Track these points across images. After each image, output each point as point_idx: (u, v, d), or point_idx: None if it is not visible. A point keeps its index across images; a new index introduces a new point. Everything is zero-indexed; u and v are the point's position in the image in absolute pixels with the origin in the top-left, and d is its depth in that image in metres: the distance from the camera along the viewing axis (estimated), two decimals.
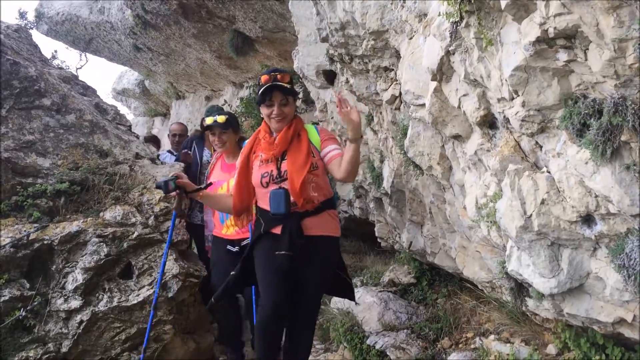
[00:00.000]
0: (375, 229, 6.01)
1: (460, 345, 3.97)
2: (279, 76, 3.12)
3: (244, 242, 4.07)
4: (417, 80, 3.34)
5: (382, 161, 5.27)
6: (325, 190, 3.22)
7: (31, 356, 4.31)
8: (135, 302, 4.51)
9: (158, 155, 7.16)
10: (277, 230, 3.14)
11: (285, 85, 3.12)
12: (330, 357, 4.50)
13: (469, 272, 3.84)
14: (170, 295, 4.72)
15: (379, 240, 6.04)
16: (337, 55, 4.54)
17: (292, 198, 3.07)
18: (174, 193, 3.35)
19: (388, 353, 4.09)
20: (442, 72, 2.97)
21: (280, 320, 3.22)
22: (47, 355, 4.31)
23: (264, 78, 3.12)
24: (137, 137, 6.54)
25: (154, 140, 7.62)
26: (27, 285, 4.48)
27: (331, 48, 4.56)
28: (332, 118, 5.99)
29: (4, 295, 4.34)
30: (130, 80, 16.04)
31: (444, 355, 3.91)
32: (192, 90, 13.65)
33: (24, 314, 4.32)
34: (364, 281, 5.04)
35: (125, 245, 4.66)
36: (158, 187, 3.28)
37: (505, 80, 2.42)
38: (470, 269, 3.82)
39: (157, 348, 4.55)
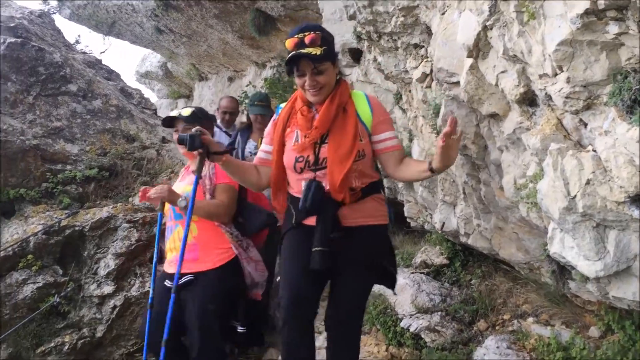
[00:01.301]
0: (405, 208, 5.91)
1: (497, 328, 3.90)
2: (306, 39, 2.50)
3: (183, 279, 3.12)
4: (451, 57, 3.22)
5: (411, 140, 5.16)
6: (369, 177, 2.72)
7: (67, 341, 4.37)
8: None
9: None
10: (310, 221, 2.68)
11: (314, 52, 2.50)
12: (364, 339, 4.46)
13: (506, 254, 3.75)
14: None
15: (408, 220, 5.95)
16: (364, 33, 4.42)
17: (327, 189, 2.62)
18: (196, 152, 2.71)
19: (423, 335, 4.03)
20: (479, 49, 2.84)
21: (302, 328, 2.67)
22: (82, 340, 4.36)
23: (289, 43, 2.55)
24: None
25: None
26: (60, 272, 4.53)
27: (359, 25, 4.43)
28: None
29: (38, 282, 4.39)
30: (153, 62, 16.03)
31: (480, 338, 3.84)
32: (215, 72, 13.59)
33: (58, 300, 4.37)
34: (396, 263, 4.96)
35: (154, 229, 4.67)
36: (181, 141, 2.71)
37: (549, 55, 2.30)
38: (506, 250, 3.73)
39: None
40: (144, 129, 5.53)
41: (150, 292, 3.26)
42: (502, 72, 2.77)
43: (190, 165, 3.57)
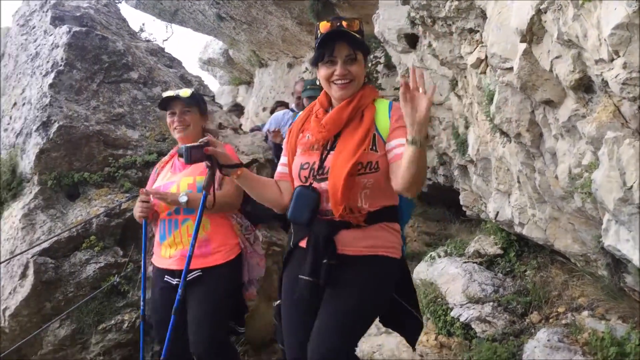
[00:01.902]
0: (460, 197, 5.83)
1: (550, 320, 3.79)
2: (344, 23, 2.22)
3: (191, 275, 2.92)
4: (505, 42, 3.13)
5: (467, 127, 5.07)
6: (382, 198, 2.27)
7: (126, 319, 4.55)
8: None
9: (257, 127, 7.19)
10: (304, 243, 2.31)
11: (354, 33, 2.22)
12: None
13: (561, 245, 3.64)
14: None
15: (464, 208, 5.87)
16: (418, 18, 4.35)
17: (324, 204, 2.23)
18: (205, 165, 2.39)
19: (473, 326, 3.98)
20: (533, 33, 2.75)
21: None
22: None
23: (324, 25, 2.24)
24: (221, 107, 6.66)
25: (237, 109, 7.69)
26: (121, 253, 4.71)
27: (412, 10, 4.37)
28: None
29: (99, 262, 4.59)
30: (215, 49, 16.33)
31: (532, 330, 3.75)
32: (275, 58, 13.71)
33: (118, 279, 4.56)
34: (448, 251, 4.90)
35: None
36: (180, 154, 2.45)
37: (604, 39, 2.20)
38: (562, 242, 3.62)
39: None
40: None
41: (142, 303, 3.05)
42: (557, 57, 2.67)
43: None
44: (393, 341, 4.27)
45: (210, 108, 6.06)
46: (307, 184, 2.26)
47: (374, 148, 2.21)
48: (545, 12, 2.60)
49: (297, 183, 2.32)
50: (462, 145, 5.22)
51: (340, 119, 2.26)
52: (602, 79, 2.44)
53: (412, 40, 5.64)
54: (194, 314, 2.93)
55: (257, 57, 14.00)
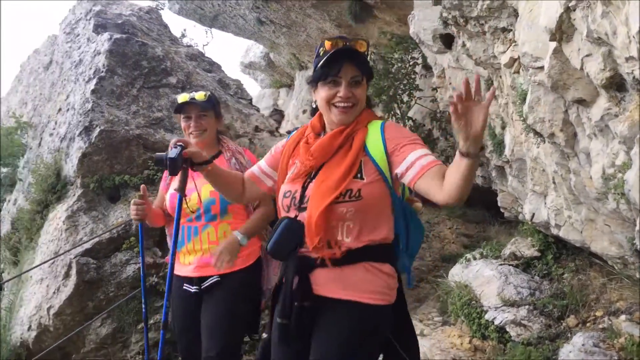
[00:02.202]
0: (498, 198, 5.74)
1: (587, 325, 3.71)
2: (351, 43, 2.06)
3: (209, 281, 2.90)
4: (536, 41, 3.08)
5: (503, 128, 4.99)
6: (369, 233, 1.99)
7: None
8: None
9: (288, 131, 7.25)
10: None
11: (362, 53, 2.08)
12: (448, 330, 4.41)
13: (597, 247, 3.55)
14: None
15: (502, 210, 5.77)
16: (451, 18, 4.31)
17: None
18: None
19: (508, 329, 3.92)
20: (562, 31, 2.70)
21: None
22: None
23: (330, 43, 2.06)
24: (257, 110, 6.75)
25: (278, 114, 7.77)
26: (159, 254, 4.83)
27: (444, 10, 4.34)
28: (450, 84, 5.75)
29: (139, 263, 4.72)
30: (256, 53, 16.52)
31: (569, 334, 3.67)
32: None
33: (156, 279, 4.68)
34: (484, 253, 4.84)
35: None
36: (158, 162, 2.24)
37: (633, 36, 2.15)
38: (598, 244, 3.53)
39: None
40: (238, 119, 5.74)
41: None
42: (587, 55, 2.62)
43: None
44: (426, 344, 4.25)
45: (247, 111, 6.17)
46: (292, 215, 2.05)
47: (359, 175, 1.98)
48: (574, 10, 2.55)
49: (281, 212, 2.13)
50: (499, 145, 5.15)
51: (330, 147, 2.05)
52: (634, 77, 2.38)
53: (447, 41, 5.59)
54: (208, 320, 2.87)
55: (297, 59, 14.09)
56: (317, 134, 2.17)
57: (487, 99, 1.65)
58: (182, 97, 2.93)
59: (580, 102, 2.92)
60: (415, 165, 1.90)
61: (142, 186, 2.95)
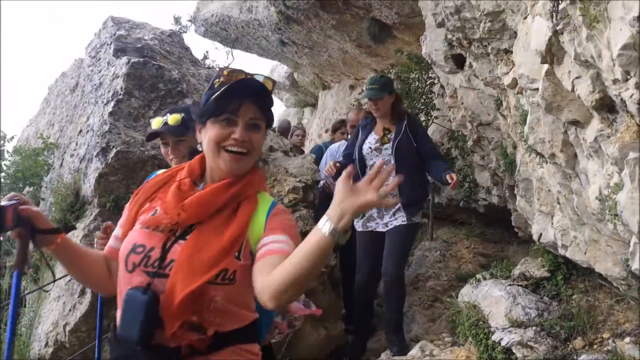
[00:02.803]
0: (512, 218, 5.72)
1: (594, 347, 3.66)
2: (257, 76, 1.72)
3: None
4: (532, 63, 3.11)
5: (514, 147, 5.00)
6: (236, 319, 1.66)
7: None
8: None
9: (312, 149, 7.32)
10: None
11: (269, 93, 1.75)
12: (457, 351, 4.39)
13: (601, 268, 3.52)
14: None
15: (515, 229, 5.74)
16: (455, 40, 4.37)
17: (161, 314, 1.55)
18: (15, 232, 1.64)
19: (514, 351, 3.88)
20: (552, 54, 2.73)
21: None
22: None
23: (230, 74, 1.69)
24: (273, 130, 6.84)
25: (284, 131, 7.83)
26: None
27: (448, 33, 4.40)
28: (462, 104, 5.77)
29: None
30: (281, 73, 16.74)
31: (575, 356, 3.63)
32: (337, 80, 13.90)
33: None
34: (494, 274, 4.81)
35: None
36: None
37: (614, 59, 2.18)
38: (602, 265, 3.50)
39: (288, 334, 4.76)
40: None
41: None
42: (577, 77, 2.64)
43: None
44: None
45: None
46: (140, 279, 1.58)
47: (237, 254, 1.61)
48: (562, 33, 2.59)
49: (121, 268, 1.64)
50: (511, 165, 5.15)
51: (212, 204, 1.66)
52: (621, 99, 2.40)
53: (459, 61, 5.63)
54: None
55: (320, 79, 14.25)
56: (193, 181, 1.74)
57: (385, 192, 1.39)
58: (156, 123, 2.67)
59: (574, 123, 2.94)
60: (265, 247, 1.60)
61: (106, 223, 2.52)
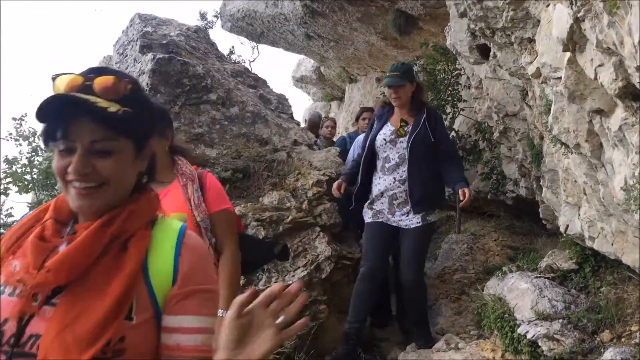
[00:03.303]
0: (540, 209, 5.64)
1: (622, 339, 3.59)
2: (98, 83, 1.21)
3: None
4: (554, 52, 3.06)
5: (541, 138, 4.92)
6: None
7: None
8: (290, 282, 4.79)
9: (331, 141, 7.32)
10: None
11: (104, 105, 1.19)
12: (482, 344, 4.36)
13: (629, 260, 3.45)
14: (323, 276, 4.93)
15: (543, 221, 5.66)
16: (478, 30, 4.31)
17: None
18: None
19: (540, 344, 3.84)
20: (574, 41, 2.68)
21: None
22: None
23: (54, 83, 1.23)
24: (298, 124, 6.86)
25: (314, 125, 7.81)
26: None
27: (471, 22, 4.34)
28: (488, 94, 5.70)
29: None
30: (308, 67, 16.74)
31: (602, 349, 3.57)
32: (363, 73, 13.85)
33: None
34: (520, 266, 4.76)
35: (281, 228, 4.97)
36: None
37: (635, 46, 2.13)
38: (629, 256, 3.43)
39: (314, 326, 4.79)
40: (277, 133, 5.86)
41: None
42: (600, 65, 2.59)
43: None
44: (459, 357, 4.22)
45: (286, 125, 6.29)
46: None
47: (130, 316, 1.18)
48: (583, 20, 2.53)
49: None
50: (537, 156, 5.06)
51: (84, 259, 1.19)
52: None
53: (484, 51, 5.56)
54: None
55: (346, 73, 14.22)
56: (61, 223, 1.30)
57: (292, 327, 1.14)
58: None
59: (598, 112, 2.88)
60: (174, 336, 1.23)
61: None
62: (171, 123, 2.68)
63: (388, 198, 4.58)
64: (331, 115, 16.27)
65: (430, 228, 4.79)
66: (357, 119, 6.99)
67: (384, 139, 4.61)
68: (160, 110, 2.59)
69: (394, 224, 4.58)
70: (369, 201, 4.72)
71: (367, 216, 4.72)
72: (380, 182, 4.63)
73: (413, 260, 4.53)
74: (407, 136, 4.50)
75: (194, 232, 1.49)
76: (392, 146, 4.57)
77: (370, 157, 4.68)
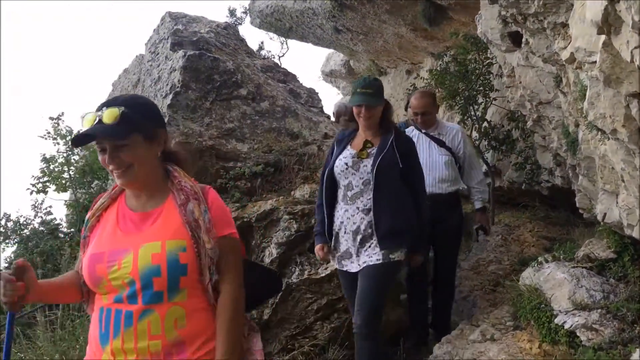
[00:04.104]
0: (576, 199, 5.52)
1: None
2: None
3: None
4: (589, 35, 2.99)
5: (577, 125, 4.82)
6: None
7: None
8: (323, 274, 4.82)
9: None
10: None
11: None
12: (518, 334, 4.31)
13: None
14: None
15: (580, 211, 5.55)
16: (509, 16, 4.24)
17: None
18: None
19: (578, 334, 3.78)
20: (609, 24, 2.61)
21: None
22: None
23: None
24: (328, 117, 6.87)
25: (339, 115, 7.75)
26: None
27: (502, 9, 4.27)
28: (520, 82, 5.61)
29: None
30: (337, 61, 16.74)
31: None
32: (393, 66, 13.78)
33: None
34: (557, 256, 4.68)
35: (312, 221, 4.98)
36: None
37: None
38: None
39: (347, 318, 4.81)
40: (307, 127, 5.89)
41: None
42: (636, 47, 2.52)
43: None
44: (495, 348, 4.18)
45: (317, 119, 6.30)
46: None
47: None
48: (618, 2, 2.47)
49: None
50: (573, 144, 4.96)
51: None
52: None
53: (516, 39, 5.47)
54: None
55: (376, 66, 14.16)
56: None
57: None
58: (87, 121, 1.93)
59: (635, 96, 2.81)
60: None
61: (17, 261, 1.96)
62: (163, 123, 2.21)
63: (351, 233, 3.84)
64: None
65: (392, 267, 3.81)
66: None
67: (345, 164, 3.88)
68: (147, 108, 2.14)
69: (356, 270, 3.87)
70: (333, 238, 4.01)
71: (333, 260, 4.11)
72: (342, 214, 3.91)
73: (364, 308, 3.67)
74: (372, 158, 3.83)
75: (194, 265, 1.94)
76: (354, 171, 3.85)
77: (330, 186, 3.98)
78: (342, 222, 3.91)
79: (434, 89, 7.29)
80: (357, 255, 3.81)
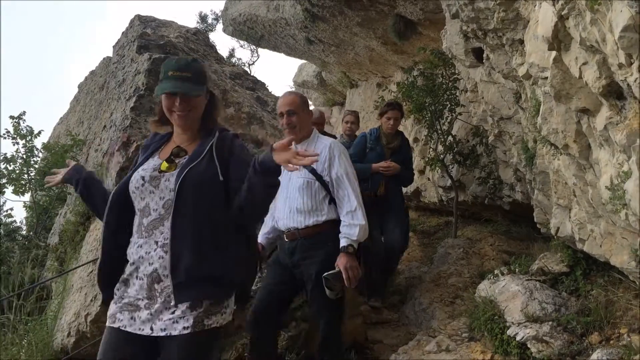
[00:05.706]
0: (534, 213, 5.62)
1: (611, 342, 3.57)
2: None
3: None
4: (541, 51, 3.06)
5: (535, 141, 4.91)
6: None
7: None
8: None
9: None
10: None
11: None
12: (472, 345, 4.34)
13: (617, 261, 3.44)
14: None
15: (538, 226, 5.64)
16: (470, 31, 4.32)
17: None
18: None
19: (529, 345, 3.82)
20: (559, 40, 2.69)
21: None
22: None
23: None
24: None
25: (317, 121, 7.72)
26: None
27: (463, 24, 4.35)
28: (483, 98, 5.70)
29: None
30: (309, 72, 16.80)
31: (590, 351, 3.55)
32: (364, 78, 13.88)
33: None
34: (512, 269, 4.75)
35: None
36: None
37: (616, 42, 2.13)
38: (618, 258, 3.42)
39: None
40: (273, 135, 5.88)
41: None
42: (584, 63, 2.59)
43: None
44: (450, 358, 4.20)
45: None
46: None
47: None
48: (567, 18, 2.54)
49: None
50: (531, 159, 5.05)
51: None
52: (627, 84, 2.34)
53: (479, 55, 5.57)
54: None
55: (347, 78, 14.25)
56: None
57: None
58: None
59: (585, 111, 2.88)
60: None
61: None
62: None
63: (147, 279, 2.38)
64: (332, 120, 16.29)
65: (209, 339, 2.35)
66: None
67: (142, 178, 2.50)
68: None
69: (147, 333, 2.33)
70: (121, 281, 2.49)
71: (109, 312, 2.48)
72: (135, 251, 2.45)
73: None
74: (178, 170, 2.47)
75: None
76: (153, 189, 2.47)
77: (118, 209, 2.54)
78: (133, 264, 2.45)
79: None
80: (152, 313, 2.34)
